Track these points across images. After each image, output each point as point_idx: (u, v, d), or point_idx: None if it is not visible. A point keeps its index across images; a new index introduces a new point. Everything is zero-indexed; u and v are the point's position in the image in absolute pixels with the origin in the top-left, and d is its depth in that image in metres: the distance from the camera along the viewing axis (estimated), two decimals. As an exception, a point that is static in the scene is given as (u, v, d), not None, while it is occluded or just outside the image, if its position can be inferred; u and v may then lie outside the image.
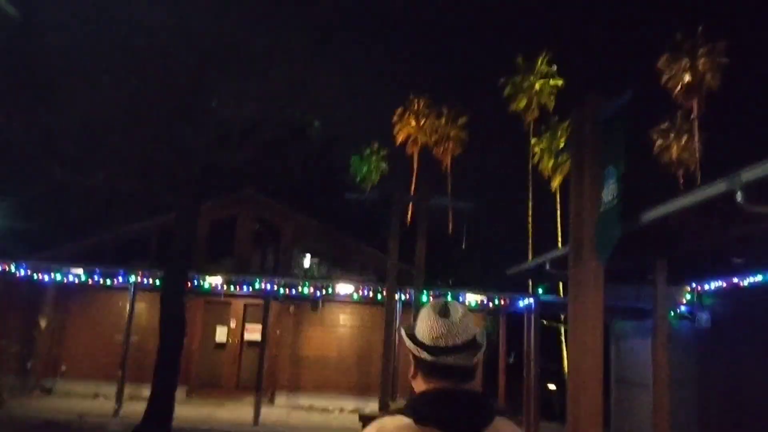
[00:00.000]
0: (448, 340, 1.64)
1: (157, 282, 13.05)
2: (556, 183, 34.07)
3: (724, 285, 11.67)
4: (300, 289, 14.15)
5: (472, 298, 13.77)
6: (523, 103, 36.44)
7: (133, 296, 13.86)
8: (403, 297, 13.90)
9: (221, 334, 16.75)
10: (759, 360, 11.13)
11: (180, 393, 15.57)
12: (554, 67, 36.57)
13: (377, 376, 13.50)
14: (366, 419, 9.95)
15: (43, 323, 16.12)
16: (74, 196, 12.43)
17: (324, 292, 14.36)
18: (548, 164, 34.44)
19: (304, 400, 16.03)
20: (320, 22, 11.97)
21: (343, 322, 16.56)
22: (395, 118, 40.40)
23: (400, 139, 40.62)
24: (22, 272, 13.60)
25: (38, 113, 10.37)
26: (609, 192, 7.13)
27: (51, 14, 10.47)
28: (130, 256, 17.09)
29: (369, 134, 37.97)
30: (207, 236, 17.59)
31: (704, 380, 12.33)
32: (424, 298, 12.84)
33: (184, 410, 13.05)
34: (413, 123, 40.67)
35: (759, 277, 10.41)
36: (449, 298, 14.34)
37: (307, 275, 17.18)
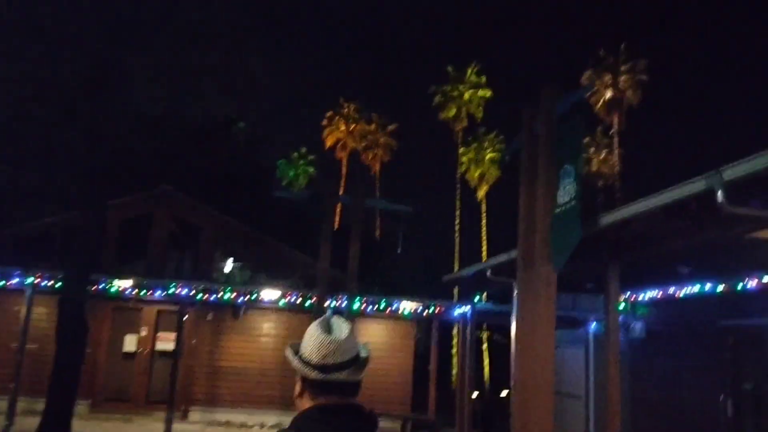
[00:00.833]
0: (336, 357, 1.68)
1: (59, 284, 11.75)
2: (482, 193, 34.41)
3: (659, 295, 11.55)
4: (220, 294, 13.22)
5: (407, 306, 13.19)
6: (452, 113, 36.66)
7: (31, 300, 12.73)
8: (333, 304, 13.15)
9: (130, 343, 15.51)
10: (693, 372, 11.05)
11: (83, 407, 14.44)
12: (483, 78, 36.96)
13: (302, 388, 12.63)
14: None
15: None
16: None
17: (247, 298, 13.45)
18: (475, 174, 34.76)
19: (221, 415, 14.99)
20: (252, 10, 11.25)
21: (267, 330, 15.59)
22: (325, 121, 39.73)
23: (329, 143, 39.97)
24: None
25: None
26: (566, 192, 6.64)
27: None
28: (31, 256, 15.50)
29: (297, 138, 37.24)
30: (118, 236, 16.35)
31: (636, 392, 12.17)
32: (357, 305, 12.13)
33: (87, 426, 12.31)
34: (343, 127, 40.15)
35: (697, 288, 10.28)
36: (383, 305, 13.67)
37: (229, 280, 16.13)
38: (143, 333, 15.56)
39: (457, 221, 33.15)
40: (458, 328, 14.96)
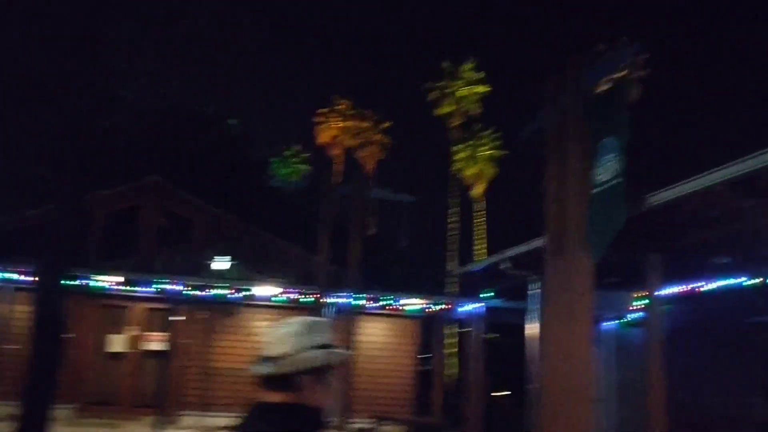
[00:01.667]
0: (264, 351, 1.78)
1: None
2: (477, 191, 33.87)
3: (681, 290, 10.88)
4: (213, 291, 12.54)
5: (412, 303, 12.47)
6: (448, 109, 36.07)
7: (10, 297, 12.61)
8: (334, 300, 12.45)
9: (117, 343, 14.89)
10: (718, 372, 10.46)
11: (66, 412, 13.71)
12: (480, 75, 36.40)
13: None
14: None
15: None
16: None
17: (242, 294, 12.79)
18: (470, 172, 34.24)
19: (216, 420, 14.21)
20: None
21: (262, 329, 14.86)
22: (318, 118, 39.07)
23: (323, 140, 39.28)
24: None
25: None
26: (606, 170, 5.90)
27: None
28: (11, 251, 14.69)
29: (291, 135, 36.77)
30: (103, 231, 15.54)
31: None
32: (359, 301, 11.43)
33: None
34: (337, 124, 39.48)
35: (724, 282, 9.62)
36: (388, 302, 12.93)
37: (221, 275, 15.41)
38: (131, 332, 14.93)
39: (452, 219, 32.63)
40: (459, 325, 14.25)
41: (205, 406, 14.51)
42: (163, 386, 12.43)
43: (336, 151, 38.93)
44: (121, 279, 12.57)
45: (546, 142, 6.95)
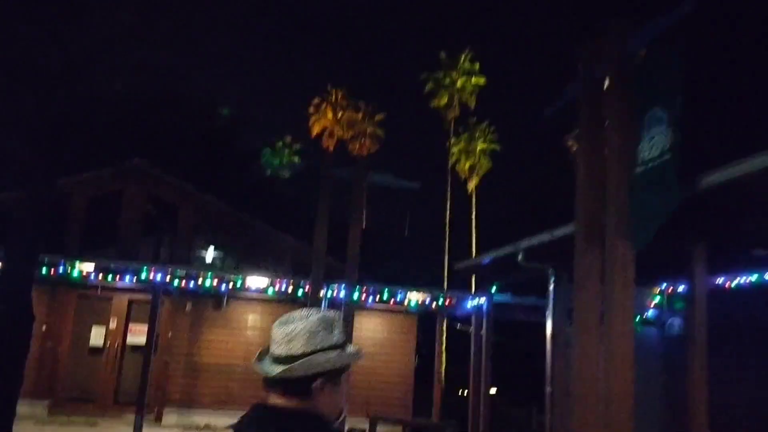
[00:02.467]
0: (273, 348, 1.64)
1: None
2: (472, 185, 33.42)
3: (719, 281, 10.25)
4: (200, 281, 11.85)
5: (414, 297, 11.76)
6: (444, 100, 35.51)
7: None
8: (330, 293, 11.71)
9: (98, 336, 14.18)
10: (741, 372, 9.84)
11: (40, 408, 13.01)
12: (477, 66, 35.85)
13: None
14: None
15: None
16: None
17: (230, 286, 12.04)
18: (465, 166, 33.82)
19: (201, 418, 13.61)
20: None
21: (252, 323, 14.14)
22: (312, 108, 38.35)
23: (315, 131, 38.54)
24: None
25: None
26: (653, 145, 5.15)
27: None
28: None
29: (283, 126, 36.06)
30: (84, 217, 14.78)
31: (672, 395, 10.95)
32: (357, 295, 10.70)
33: (45, 430, 11.45)
34: (330, 115, 38.73)
35: (754, 277, 8.97)
36: (386, 296, 12.21)
37: (210, 265, 14.65)
38: (112, 325, 14.22)
39: (447, 213, 32.13)
40: (460, 322, 13.56)
41: (190, 402, 13.84)
42: (145, 382, 11.73)
43: (329, 142, 38.36)
44: (102, 267, 11.79)
45: (579, 117, 6.22)
